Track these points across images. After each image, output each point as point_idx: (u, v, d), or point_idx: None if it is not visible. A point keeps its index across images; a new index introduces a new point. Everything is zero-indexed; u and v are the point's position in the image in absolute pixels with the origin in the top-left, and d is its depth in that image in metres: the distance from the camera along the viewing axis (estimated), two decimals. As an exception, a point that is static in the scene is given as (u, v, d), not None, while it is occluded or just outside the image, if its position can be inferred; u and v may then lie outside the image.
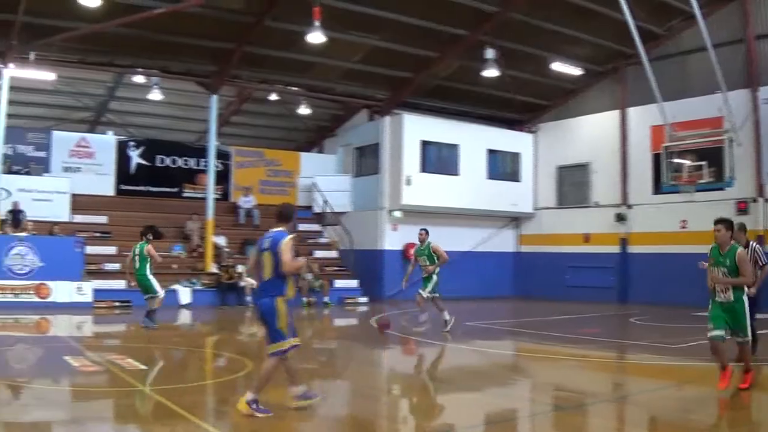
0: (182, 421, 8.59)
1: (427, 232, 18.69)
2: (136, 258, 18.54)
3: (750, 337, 10.47)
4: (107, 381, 11.70)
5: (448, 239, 31.19)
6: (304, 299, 27.15)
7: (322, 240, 32.84)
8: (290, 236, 8.99)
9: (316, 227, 33.41)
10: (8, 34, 23.51)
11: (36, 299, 23.22)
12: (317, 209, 33.65)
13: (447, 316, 18.37)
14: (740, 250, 10.26)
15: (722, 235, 10.22)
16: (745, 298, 10.20)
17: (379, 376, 13.92)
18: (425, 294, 18.27)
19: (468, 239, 32.75)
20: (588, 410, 9.10)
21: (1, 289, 22.91)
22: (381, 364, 15.63)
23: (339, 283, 29.69)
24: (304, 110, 32.70)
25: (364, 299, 29.36)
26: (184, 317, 23.48)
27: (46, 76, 25.90)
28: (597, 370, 8.92)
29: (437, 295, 18.46)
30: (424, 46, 28.21)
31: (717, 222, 10.32)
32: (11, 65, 24.34)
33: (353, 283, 30.16)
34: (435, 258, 18.32)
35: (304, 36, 24.13)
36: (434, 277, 18.33)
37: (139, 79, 29.13)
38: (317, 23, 23.05)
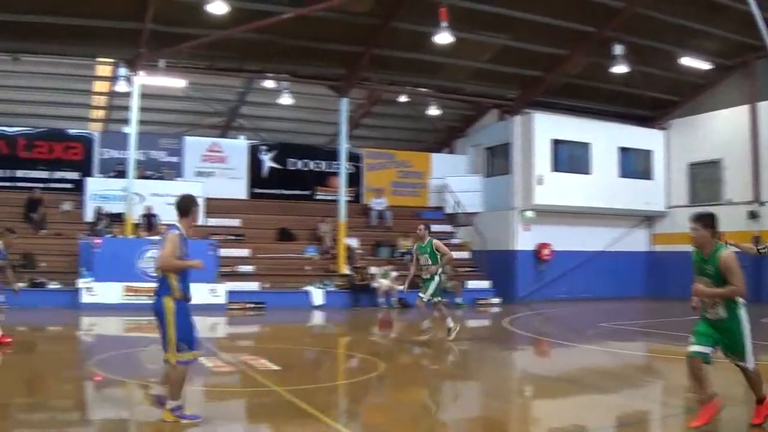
0: (314, 422, 8.42)
1: (427, 228, 16.69)
2: None
3: (753, 363, 7.98)
4: (240, 381, 11.68)
5: (580, 239, 30.60)
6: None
7: (454, 241, 32.21)
8: (176, 231, 8.24)
9: (448, 228, 32.91)
10: (137, 42, 23.95)
11: (166, 301, 23.33)
12: (449, 210, 33.23)
13: (451, 324, 16.45)
14: (725, 252, 7.86)
15: (701, 236, 8.08)
16: (742, 314, 7.90)
17: (511, 377, 13.56)
18: (426, 297, 16.28)
19: (600, 239, 31.66)
20: (721, 414, 8.33)
21: (135, 291, 23.17)
22: (512, 365, 15.25)
23: (471, 284, 29.16)
24: (433, 111, 32.22)
25: (496, 300, 28.71)
26: (317, 318, 23.33)
27: (177, 82, 26.29)
28: (733, 372, 8.24)
29: (440, 299, 16.61)
30: (553, 44, 27.40)
31: (693, 219, 8.26)
32: (141, 73, 24.75)
33: (486, 284, 29.55)
34: (438, 257, 16.30)
35: (431, 37, 23.76)
36: (436, 278, 16.38)
37: (269, 83, 29.27)
38: (444, 24, 22.67)
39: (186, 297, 8.32)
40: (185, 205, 8.42)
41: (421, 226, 16.65)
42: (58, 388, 10.78)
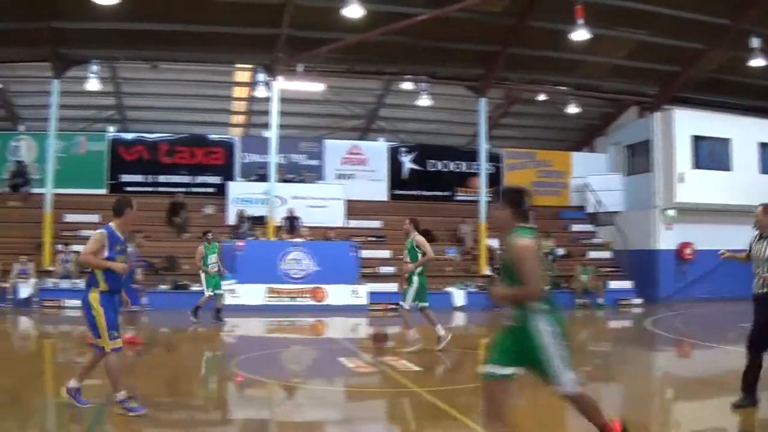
0: (454, 423, 8.28)
1: (412, 222, 14.68)
2: None
3: (574, 385, 6.00)
4: (381, 382, 11.58)
5: (722, 238, 29.10)
6: (578, 301, 26.29)
7: (596, 240, 31.55)
8: (104, 231, 8.44)
9: (589, 227, 32.25)
10: (275, 47, 24.36)
11: (312, 302, 23.58)
12: (590, 209, 32.46)
13: (441, 332, 14.25)
14: (520, 239, 5.80)
15: (498, 217, 6.17)
16: (542, 324, 5.82)
17: (653, 379, 13.04)
18: (406, 305, 14.28)
19: (743, 237, 30.10)
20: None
21: (278, 293, 23.46)
22: (654, 366, 14.69)
23: (613, 284, 28.24)
24: (573, 109, 31.48)
25: (638, 300, 27.76)
26: (458, 319, 23.07)
27: (315, 86, 26.48)
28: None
29: (426, 304, 14.42)
30: (690, 38, 26.47)
31: (492, 195, 6.86)
32: (280, 78, 25.07)
33: (627, 284, 28.58)
34: (418, 255, 14.16)
35: (568, 34, 23.34)
36: (415, 279, 14.26)
37: (407, 85, 29.21)
38: (580, 21, 22.19)
39: (111, 290, 8.40)
40: (119, 207, 8.67)
41: (407, 220, 14.94)
42: (199, 388, 10.94)
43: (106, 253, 8.32)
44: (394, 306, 23.83)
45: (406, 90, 29.72)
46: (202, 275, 19.13)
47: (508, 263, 5.93)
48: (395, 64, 27.33)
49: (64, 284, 23.14)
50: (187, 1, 22.90)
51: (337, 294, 23.87)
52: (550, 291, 6.02)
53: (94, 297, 8.28)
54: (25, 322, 20.49)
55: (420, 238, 14.32)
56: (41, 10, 22.62)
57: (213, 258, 18.92)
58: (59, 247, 24.23)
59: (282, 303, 23.05)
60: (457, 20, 23.75)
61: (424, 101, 29.57)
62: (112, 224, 8.60)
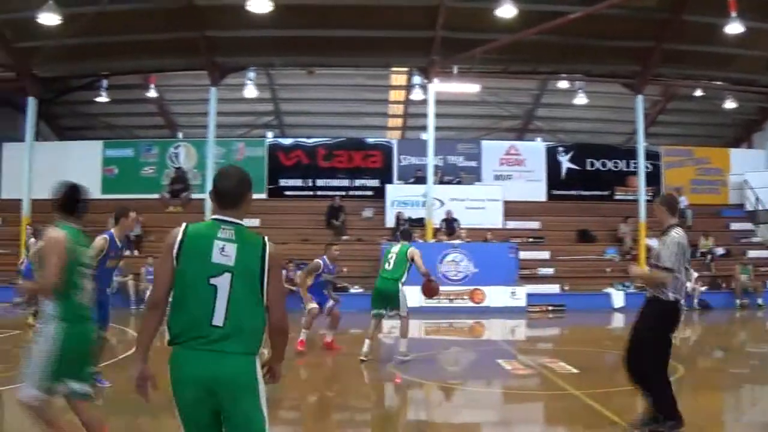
0: (612, 426, 8.19)
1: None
2: None
3: (31, 393, 5.39)
4: (538, 384, 11.57)
5: None
6: (738, 302, 25.46)
7: (756, 239, 30.27)
8: (105, 236, 9.16)
9: (749, 226, 30.92)
10: (429, 50, 24.58)
11: (470, 304, 23.65)
12: (749, 207, 31.25)
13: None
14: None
15: None
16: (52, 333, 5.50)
17: None
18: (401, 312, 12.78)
19: None
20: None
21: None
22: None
23: (774, 284, 27.11)
24: (729, 104, 30.47)
25: (801, 299, 26.61)
26: (617, 321, 22.71)
27: (470, 88, 26.49)
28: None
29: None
30: None
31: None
32: (435, 80, 25.23)
33: (788, 284, 27.43)
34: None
35: (721, 28, 22.54)
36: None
37: (562, 84, 29.03)
38: (734, 14, 21.46)
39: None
40: (116, 215, 9.62)
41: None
42: (358, 389, 11.12)
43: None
44: (553, 307, 23.93)
45: (562, 89, 29.56)
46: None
47: None
48: (550, 63, 27.07)
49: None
50: (340, 6, 23.45)
51: (496, 296, 23.84)
52: None
53: None
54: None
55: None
56: (196, 21, 23.67)
57: None
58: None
59: (440, 305, 23.14)
60: (610, 17, 23.34)
61: (581, 99, 29.39)
62: (113, 231, 9.44)
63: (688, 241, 7.64)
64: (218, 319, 4.05)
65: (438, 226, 26.42)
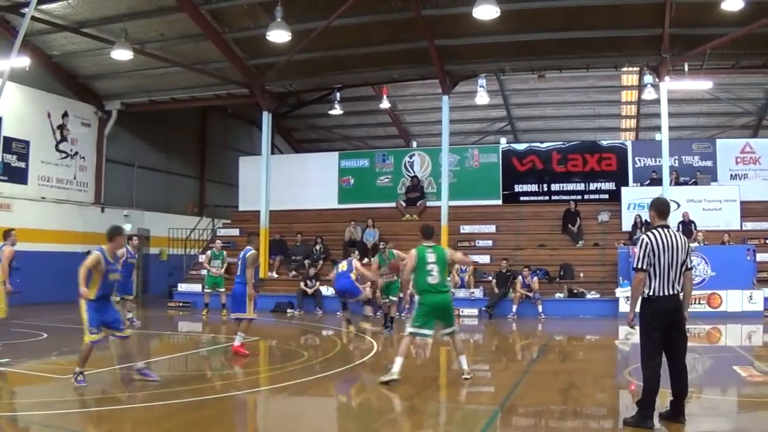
0: None
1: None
2: None
3: None
4: (775, 393, 11.15)
5: None
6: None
7: None
8: (98, 252, 10.51)
9: None
10: (659, 48, 24.16)
11: (707, 309, 23.08)
12: None
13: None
14: None
15: None
16: None
17: None
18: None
19: None
20: None
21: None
22: None
23: None
24: None
25: None
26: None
27: (702, 85, 25.89)
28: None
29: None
30: None
31: None
32: (667, 78, 24.78)
33: None
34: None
35: None
36: None
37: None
38: None
39: (98, 297, 10.55)
40: (110, 234, 10.86)
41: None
42: (592, 396, 11.15)
43: (104, 268, 10.50)
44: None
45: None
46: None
47: None
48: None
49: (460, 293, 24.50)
50: (566, 8, 23.55)
51: (733, 300, 23.17)
52: None
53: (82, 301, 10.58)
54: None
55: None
56: (424, 30, 24.37)
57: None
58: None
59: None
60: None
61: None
62: (104, 247, 10.72)
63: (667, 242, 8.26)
64: None
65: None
